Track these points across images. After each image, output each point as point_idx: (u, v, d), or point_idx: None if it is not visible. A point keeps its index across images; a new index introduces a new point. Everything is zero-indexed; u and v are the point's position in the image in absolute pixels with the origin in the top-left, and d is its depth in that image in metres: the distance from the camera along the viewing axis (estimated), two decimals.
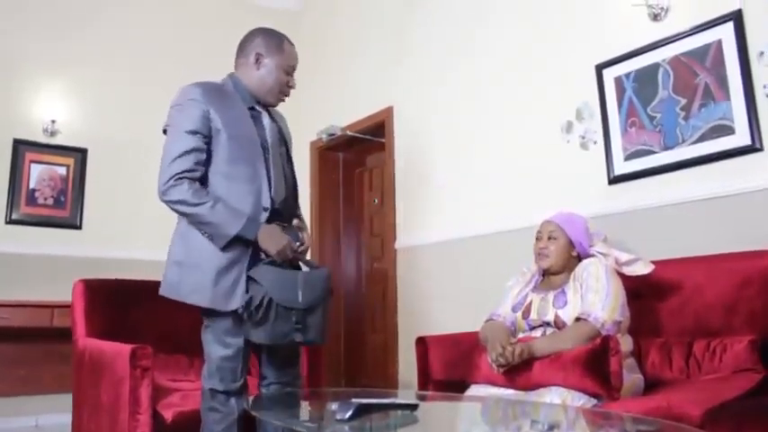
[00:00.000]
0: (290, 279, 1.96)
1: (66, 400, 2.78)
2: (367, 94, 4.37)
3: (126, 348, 2.22)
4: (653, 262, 2.23)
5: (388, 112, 4.16)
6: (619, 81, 2.79)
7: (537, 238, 2.34)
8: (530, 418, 1.71)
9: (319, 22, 5.04)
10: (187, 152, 1.95)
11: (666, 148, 2.60)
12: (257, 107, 2.13)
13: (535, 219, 2.47)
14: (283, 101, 2.19)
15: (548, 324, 2.15)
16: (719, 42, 2.45)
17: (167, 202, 1.96)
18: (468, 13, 3.63)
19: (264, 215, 2.01)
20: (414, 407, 1.66)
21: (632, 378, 2.04)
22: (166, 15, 4.81)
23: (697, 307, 2.21)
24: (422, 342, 2.62)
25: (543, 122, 3.11)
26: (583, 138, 2.94)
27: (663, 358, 2.23)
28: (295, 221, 2.18)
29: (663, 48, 2.63)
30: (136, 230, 4.36)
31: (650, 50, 2.67)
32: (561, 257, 2.26)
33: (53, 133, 4.30)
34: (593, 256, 2.26)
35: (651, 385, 2.11)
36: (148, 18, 4.73)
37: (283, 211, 2.09)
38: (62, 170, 4.34)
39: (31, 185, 4.23)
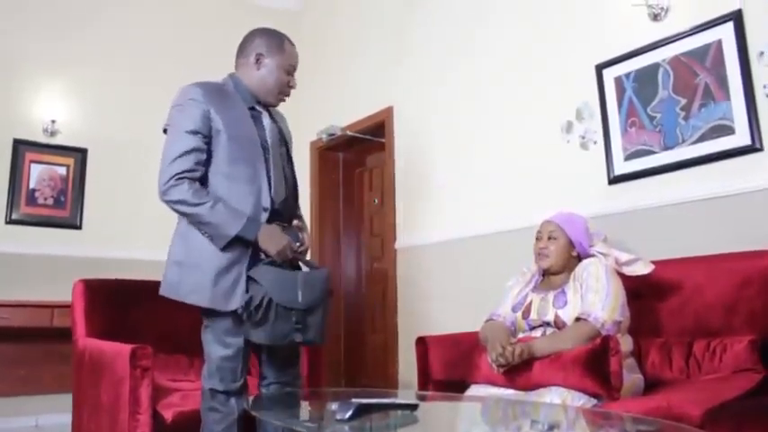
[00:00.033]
0: (289, 279, 1.96)
1: (66, 400, 2.78)
2: (367, 94, 4.37)
3: (126, 348, 2.22)
4: (653, 262, 2.23)
5: (388, 112, 4.16)
6: (619, 81, 2.79)
7: (537, 238, 2.34)
8: (530, 418, 1.71)
9: (319, 22, 5.04)
10: (187, 152, 1.94)
11: (666, 148, 2.60)
12: (258, 107, 2.13)
13: (535, 219, 2.47)
14: (284, 101, 2.19)
15: (548, 324, 2.15)
16: (719, 42, 2.45)
17: (167, 202, 1.96)
18: (468, 13, 3.63)
19: (264, 215, 2.01)
20: (414, 407, 1.66)
21: (632, 378, 2.04)
22: (166, 15, 4.81)
23: (697, 307, 2.21)
24: (422, 342, 2.62)
25: (543, 122, 3.11)
26: (583, 138, 2.94)
27: (663, 358, 2.23)
28: (295, 222, 2.18)
29: (663, 48, 2.63)
30: (136, 230, 4.36)
31: (650, 50, 2.67)
32: (561, 257, 2.26)
33: (53, 133, 4.30)
34: (593, 256, 2.26)
35: (651, 385, 2.11)
36: (148, 18, 4.73)
37: (283, 212, 2.09)
38: (62, 170, 4.34)
39: (31, 185, 4.23)
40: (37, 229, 4.19)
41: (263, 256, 1.99)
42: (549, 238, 2.28)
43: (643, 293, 2.30)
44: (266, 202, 2.02)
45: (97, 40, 4.50)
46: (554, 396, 1.88)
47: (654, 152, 2.64)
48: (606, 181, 2.82)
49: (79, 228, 4.34)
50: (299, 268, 2.10)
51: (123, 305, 2.78)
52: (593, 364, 1.88)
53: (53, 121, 4.29)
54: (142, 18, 4.71)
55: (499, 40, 3.41)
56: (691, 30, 2.54)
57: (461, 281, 3.48)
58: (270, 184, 2.04)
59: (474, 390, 2.13)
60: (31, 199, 4.22)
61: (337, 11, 4.86)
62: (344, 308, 4.72)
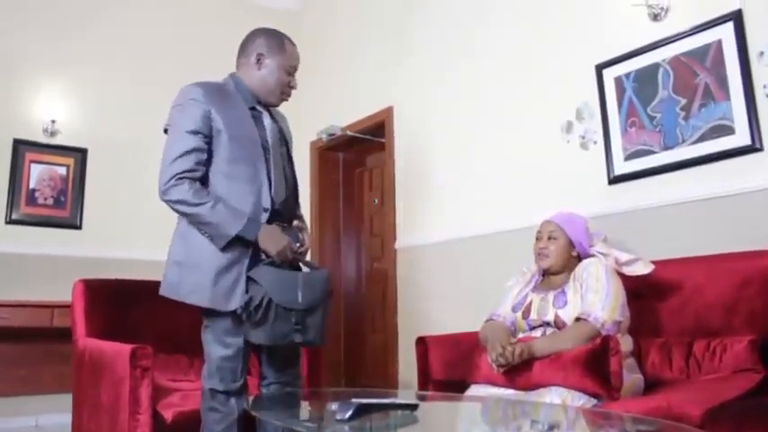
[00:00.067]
0: (289, 280, 1.96)
1: (66, 400, 2.79)
2: (367, 94, 4.37)
3: (126, 348, 2.22)
4: (653, 262, 2.23)
5: (388, 112, 4.16)
6: (619, 81, 2.79)
7: (537, 238, 2.34)
8: (530, 418, 1.71)
9: (319, 22, 5.04)
10: (188, 152, 1.95)
11: (666, 148, 2.60)
12: (258, 107, 2.13)
13: (535, 219, 2.47)
14: (285, 101, 2.19)
15: (548, 324, 2.15)
16: (719, 42, 2.45)
17: (168, 202, 1.96)
18: (468, 13, 3.63)
19: (265, 215, 2.01)
20: (414, 407, 1.66)
21: (632, 378, 2.04)
22: (166, 15, 4.81)
23: (697, 307, 2.21)
24: (422, 342, 2.62)
25: (543, 122, 3.11)
26: (583, 138, 2.94)
27: (663, 358, 2.23)
28: (295, 222, 2.18)
29: (663, 48, 2.63)
30: (136, 230, 4.35)
31: (650, 50, 2.67)
32: (561, 257, 2.26)
33: (53, 133, 4.30)
34: (593, 256, 2.26)
35: (651, 385, 2.11)
36: (148, 18, 4.73)
37: (283, 212, 2.09)
38: (62, 170, 4.34)
39: (31, 185, 4.23)
40: (37, 229, 4.19)
41: (263, 256, 1.99)
42: (549, 238, 2.28)
43: (643, 293, 2.30)
44: (266, 203, 2.02)
45: (97, 40, 4.50)
46: (554, 396, 1.88)
47: (654, 152, 2.64)
48: (606, 181, 2.82)
49: (79, 228, 4.34)
50: (300, 269, 2.10)
51: (123, 305, 2.78)
52: (593, 364, 1.88)
53: (53, 121, 4.29)
54: (142, 18, 4.70)
55: (499, 40, 3.41)
56: (691, 30, 2.54)
57: (461, 281, 3.48)
58: (270, 184, 2.04)
59: (474, 390, 2.13)
60: (31, 199, 4.22)
61: (337, 11, 4.86)
62: (344, 308, 4.72)
